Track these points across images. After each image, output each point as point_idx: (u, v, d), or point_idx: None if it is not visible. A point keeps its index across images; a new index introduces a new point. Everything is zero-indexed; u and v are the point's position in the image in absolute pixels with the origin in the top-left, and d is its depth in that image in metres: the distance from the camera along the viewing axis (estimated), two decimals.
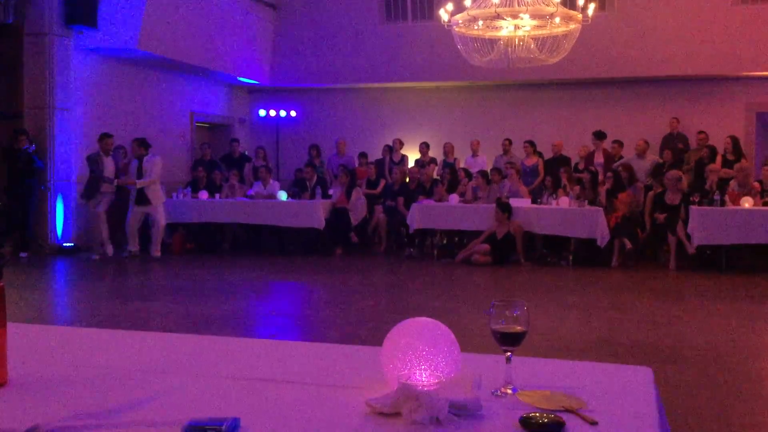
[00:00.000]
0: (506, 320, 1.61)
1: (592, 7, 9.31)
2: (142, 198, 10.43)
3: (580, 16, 9.12)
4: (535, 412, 1.43)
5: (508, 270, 9.57)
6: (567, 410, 1.46)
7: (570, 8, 9.27)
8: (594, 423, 1.40)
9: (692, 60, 12.20)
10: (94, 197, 10.37)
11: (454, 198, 10.86)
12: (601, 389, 1.60)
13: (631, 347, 5.44)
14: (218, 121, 14.49)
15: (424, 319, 1.61)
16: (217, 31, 12.69)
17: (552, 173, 11.31)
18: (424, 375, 1.51)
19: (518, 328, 1.60)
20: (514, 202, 10.17)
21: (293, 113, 14.66)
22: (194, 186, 11.73)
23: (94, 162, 10.28)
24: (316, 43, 13.94)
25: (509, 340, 1.61)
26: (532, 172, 11.83)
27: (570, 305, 7.20)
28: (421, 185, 11.52)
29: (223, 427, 1.31)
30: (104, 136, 10.39)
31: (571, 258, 9.90)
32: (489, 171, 11.56)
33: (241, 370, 1.77)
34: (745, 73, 12.39)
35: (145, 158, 10.31)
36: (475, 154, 12.68)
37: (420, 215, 10.58)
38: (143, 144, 10.37)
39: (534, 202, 10.53)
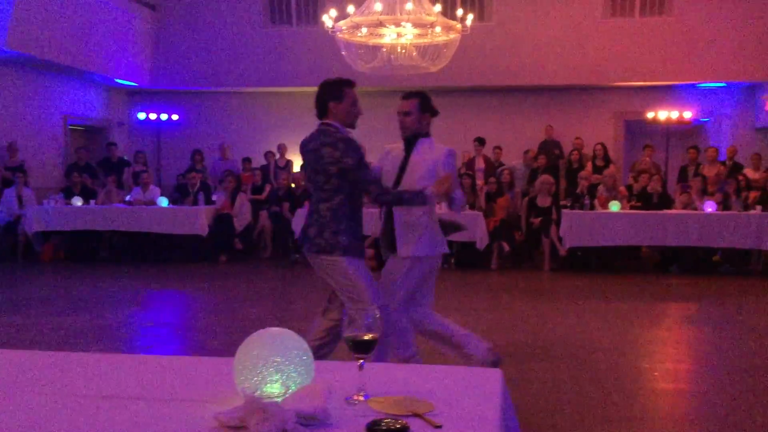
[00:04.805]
0: (358, 328, 1.64)
1: (470, 18, 9.62)
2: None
3: (459, 26, 9.39)
4: (382, 419, 1.46)
5: None
6: (415, 415, 1.50)
7: (450, 18, 9.53)
8: (438, 426, 1.45)
9: (565, 70, 12.79)
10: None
11: None
12: (450, 392, 1.65)
13: (506, 347, 5.62)
14: (95, 124, 13.91)
15: (276, 329, 1.62)
16: (92, 30, 12.18)
17: None
18: (274, 386, 1.51)
19: (369, 336, 1.64)
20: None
21: (175, 117, 14.27)
22: (68, 192, 11.21)
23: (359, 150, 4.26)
24: (199, 46, 13.64)
25: (361, 348, 1.64)
26: None
27: (451, 307, 7.36)
28: (307, 190, 11.48)
29: None
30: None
31: (452, 260, 10.15)
32: None
33: (91, 387, 1.71)
34: (613, 83, 13.11)
35: (421, 141, 4.36)
36: None
37: None
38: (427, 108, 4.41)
39: None
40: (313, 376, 1.58)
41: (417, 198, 4.04)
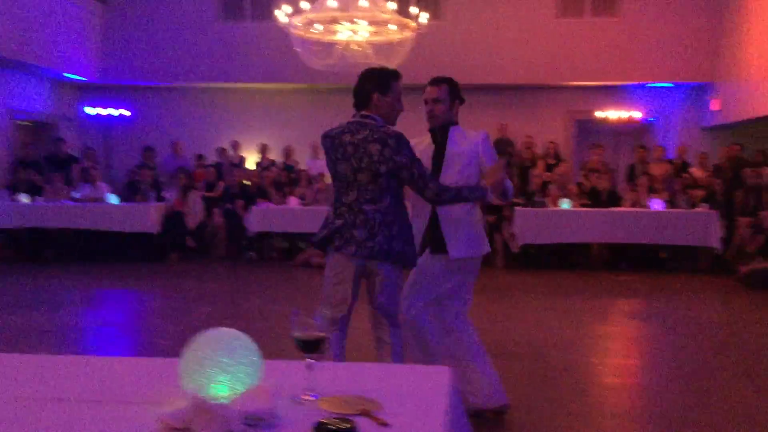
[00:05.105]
0: (307, 327, 1.63)
1: (424, 16, 9.66)
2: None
3: (414, 24, 9.42)
4: (329, 418, 1.45)
5: None
6: (363, 413, 1.50)
7: (404, 16, 9.56)
8: (385, 424, 1.45)
9: (517, 69, 12.93)
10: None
11: (294, 200, 10.84)
12: (399, 391, 1.66)
13: None
14: (42, 119, 13.55)
15: (223, 329, 1.60)
16: (39, 23, 11.87)
17: None
18: (221, 387, 1.50)
19: (318, 335, 1.63)
20: None
21: (125, 112, 13.99)
22: (14, 189, 10.91)
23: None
24: (150, 40, 13.41)
25: (310, 347, 1.63)
26: None
27: None
28: (261, 188, 11.40)
29: None
30: None
31: None
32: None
33: (34, 389, 1.67)
34: (564, 83, 13.31)
35: (452, 130, 4.06)
36: (315, 156, 12.72)
37: (259, 218, 10.47)
38: (456, 94, 4.09)
39: None
40: (261, 376, 1.56)
41: (476, 192, 3.67)
